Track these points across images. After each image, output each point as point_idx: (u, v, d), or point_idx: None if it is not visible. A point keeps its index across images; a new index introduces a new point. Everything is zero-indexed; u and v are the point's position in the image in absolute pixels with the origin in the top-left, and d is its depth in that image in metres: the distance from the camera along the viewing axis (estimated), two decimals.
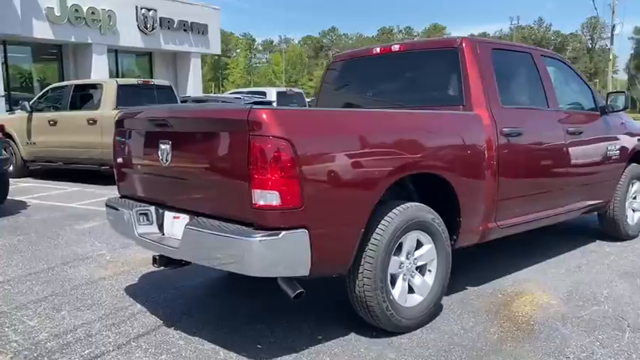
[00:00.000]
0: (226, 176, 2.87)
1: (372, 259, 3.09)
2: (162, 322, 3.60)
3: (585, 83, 5.16)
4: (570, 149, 4.51)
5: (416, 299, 3.39)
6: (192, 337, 3.34)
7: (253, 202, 2.71)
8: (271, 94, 14.41)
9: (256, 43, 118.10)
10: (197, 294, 4.21)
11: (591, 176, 4.85)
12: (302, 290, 2.95)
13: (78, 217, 7.08)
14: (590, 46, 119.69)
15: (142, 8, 19.02)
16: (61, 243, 5.74)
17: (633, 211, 5.65)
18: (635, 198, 5.64)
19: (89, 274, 4.64)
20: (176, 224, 3.31)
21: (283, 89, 15.69)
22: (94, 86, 10.00)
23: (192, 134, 3.09)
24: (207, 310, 3.81)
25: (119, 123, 3.80)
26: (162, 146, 3.23)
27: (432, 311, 3.49)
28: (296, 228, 2.73)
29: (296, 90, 16.10)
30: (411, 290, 3.39)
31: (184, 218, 3.24)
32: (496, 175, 3.78)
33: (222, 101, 12.10)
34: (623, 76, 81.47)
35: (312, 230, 2.77)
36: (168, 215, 3.37)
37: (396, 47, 4.34)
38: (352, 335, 3.33)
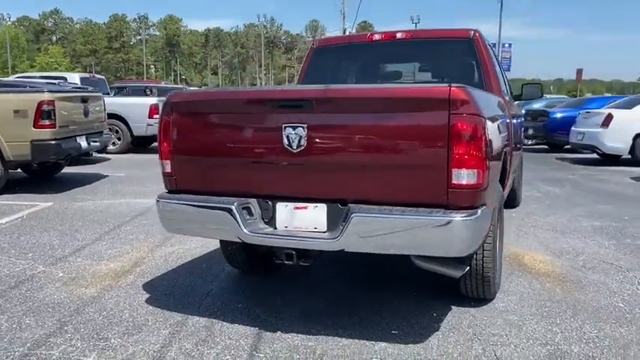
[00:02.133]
0: (409, 157, 2.73)
1: (492, 232, 3.29)
2: (256, 328, 3.20)
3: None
4: (516, 131, 5.32)
5: None
6: (319, 336, 3.08)
7: (452, 181, 2.67)
8: (74, 78, 12.85)
9: None
10: (244, 294, 3.76)
11: (518, 154, 5.78)
12: (469, 267, 3.01)
13: None
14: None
15: None
16: None
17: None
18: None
19: (72, 295, 3.74)
20: (300, 215, 2.98)
21: (86, 75, 14.04)
22: None
23: (356, 115, 2.81)
24: (282, 308, 3.48)
25: (177, 105, 3.18)
26: (292, 130, 2.86)
27: None
28: (482, 206, 2.79)
29: (98, 76, 14.55)
30: None
31: (317, 208, 2.95)
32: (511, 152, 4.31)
33: (30, 86, 10.20)
34: None
35: (487, 207, 2.86)
36: (286, 206, 3.01)
37: (401, 35, 4.51)
38: (458, 308, 3.47)
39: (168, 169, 3.27)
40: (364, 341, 3.03)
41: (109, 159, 11.71)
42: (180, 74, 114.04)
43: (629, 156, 10.91)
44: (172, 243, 5.07)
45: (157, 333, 3.17)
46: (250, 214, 3.05)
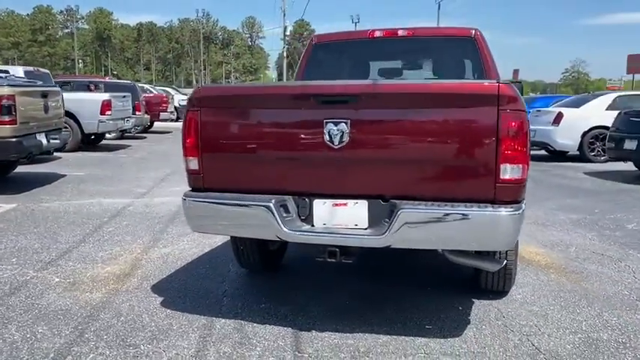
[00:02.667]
0: (455, 153, 2.73)
1: None
2: (289, 328, 3.14)
3: None
4: None
5: None
6: (355, 334, 3.05)
7: (500, 176, 2.71)
8: (18, 72, 12.06)
9: None
10: (262, 294, 3.67)
11: None
12: (506, 260, 3.07)
13: None
14: (250, 43, 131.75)
15: None
16: None
17: None
18: None
19: (79, 301, 3.53)
20: (340, 212, 2.94)
21: (30, 69, 13.18)
22: None
23: (400, 111, 2.79)
24: (307, 307, 3.43)
25: (206, 100, 3.06)
26: (334, 126, 2.81)
27: None
28: (523, 200, 2.85)
29: (43, 70, 13.74)
30: None
31: (357, 204, 2.92)
32: None
33: None
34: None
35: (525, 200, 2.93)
36: (324, 203, 2.96)
37: (403, 32, 4.54)
38: (480, 301, 3.53)
39: (194, 166, 3.13)
40: (403, 337, 3.03)
41: (60, 157, 11.12)
42: (111, 69, 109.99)
43: (577, 152, 11.50)
44: (164, 244, 4.89)
45: (186, 337, 3.04)
46: (287, 211, 2.98)
